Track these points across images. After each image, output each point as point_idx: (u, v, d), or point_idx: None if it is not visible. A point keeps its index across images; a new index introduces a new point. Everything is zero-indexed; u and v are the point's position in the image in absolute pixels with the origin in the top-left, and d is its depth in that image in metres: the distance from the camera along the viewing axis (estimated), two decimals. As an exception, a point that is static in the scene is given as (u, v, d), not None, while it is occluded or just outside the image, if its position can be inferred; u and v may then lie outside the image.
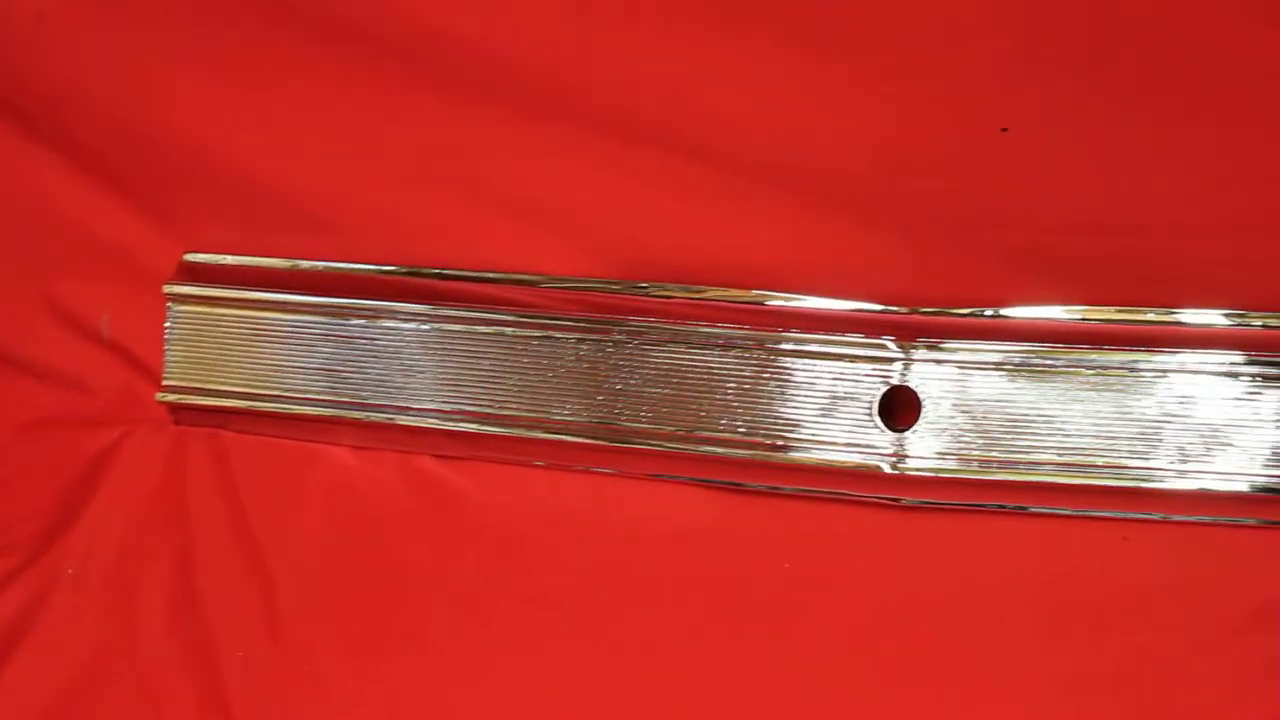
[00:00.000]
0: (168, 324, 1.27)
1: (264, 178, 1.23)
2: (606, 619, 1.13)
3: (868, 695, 1.09)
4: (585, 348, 1.17)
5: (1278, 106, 1.05)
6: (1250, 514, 1.09)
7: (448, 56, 1.16)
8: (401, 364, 1.20)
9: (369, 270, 1.22)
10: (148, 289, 1.27)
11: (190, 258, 1.27)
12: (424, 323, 1.20)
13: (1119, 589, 1.08)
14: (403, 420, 1.20)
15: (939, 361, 1.11)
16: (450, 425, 1.19)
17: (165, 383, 1.27)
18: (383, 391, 1.21)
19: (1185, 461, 1.08)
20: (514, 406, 1.18)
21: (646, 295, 1.16)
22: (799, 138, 1.12)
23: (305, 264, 1.24)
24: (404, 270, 1.21)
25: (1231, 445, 1.07)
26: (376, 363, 1.21)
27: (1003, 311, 1.11)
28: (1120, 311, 1.09)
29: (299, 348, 1.23)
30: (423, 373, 1.20)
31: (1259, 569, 1.08)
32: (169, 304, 1.27)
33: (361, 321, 1.21)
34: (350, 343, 1.22)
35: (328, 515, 1.21)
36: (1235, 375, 1.07)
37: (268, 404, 1.24)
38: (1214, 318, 1.08)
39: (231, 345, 1.25)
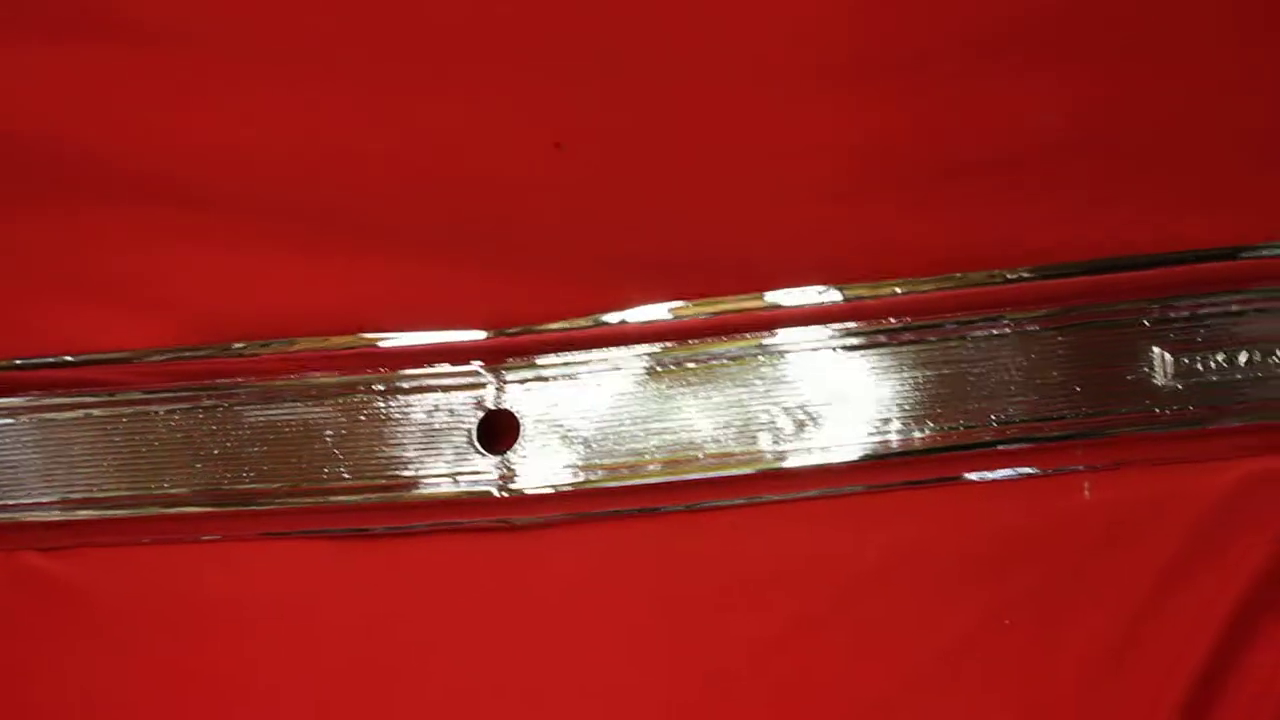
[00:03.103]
0: None
1: None
2: (237, 688, 1.11)
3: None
4: (176, 418, 1.14)
5: (803, 78, 1.09)
6: (856, 481, 1.12)
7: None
8: (-10, 462, 1.16)
9: (-60, 371, 1.17)
10: None
11: None
12: (5, 416, 1.16)
13: (732, 574, 1.10)
14: (1, 518, 1.16)
15: (532, 379, 1.12)
16: (51, 516, 1.15)
17: None
18: (-25, 493, 1.16)
19: (786, 441, 1.10)
20: (113, 487, 1.14)
21: (239, 356, 1.14)
22: (362, 178, 1.12)
23: None
24: (-23, 366, 1.16)
25: (829, 418, 1.10)
26: (-40, 465, 1.16)
27: (592, 320, 1.12)
28: (707, 304, 1.11)
29: (-125, 463, 1.17)
30: (13, 467, 1.15)
31: (868, 535, 1.11)
32: None
33: (-64, 425, 1.17)
34: (-70, 449, 1.17)
35: (-70, 631, 1.15)
36: (826, 349, 1.10)
37: None
38: (803, 296, 1.10)
39: None
